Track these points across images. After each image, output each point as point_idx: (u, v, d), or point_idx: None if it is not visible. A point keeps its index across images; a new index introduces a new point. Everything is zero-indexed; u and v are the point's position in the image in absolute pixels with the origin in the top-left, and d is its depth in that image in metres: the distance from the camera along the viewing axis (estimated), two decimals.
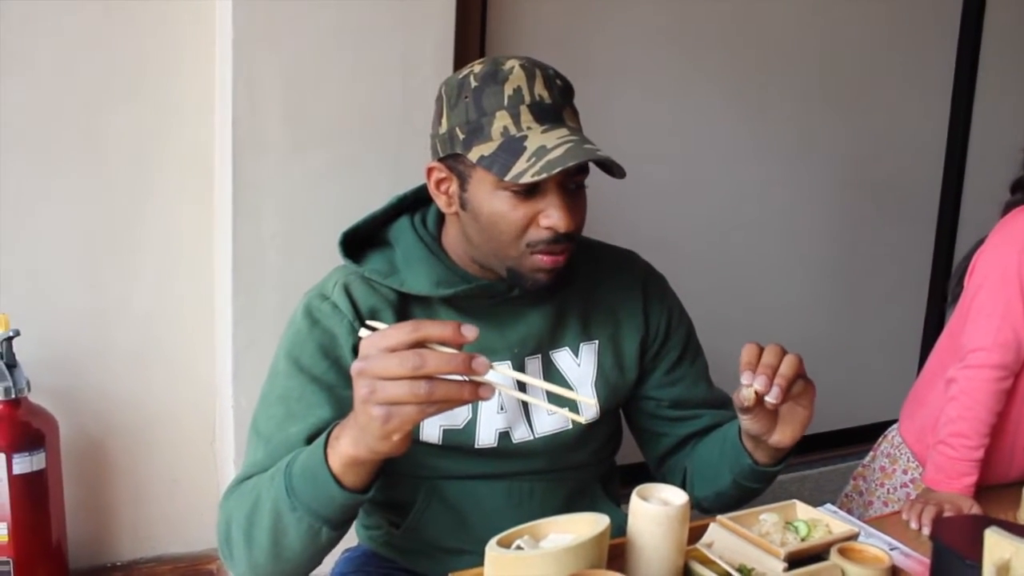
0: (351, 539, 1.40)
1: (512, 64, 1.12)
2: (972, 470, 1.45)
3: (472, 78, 1.13)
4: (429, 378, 0.82)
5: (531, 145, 1.07)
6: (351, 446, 0.91)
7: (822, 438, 2.76)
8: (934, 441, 1.52)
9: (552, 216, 1.10)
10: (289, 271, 1.83)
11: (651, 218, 2.38)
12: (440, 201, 1.19)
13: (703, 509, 1.32)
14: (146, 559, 2.09)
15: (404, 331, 0.84)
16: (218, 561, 2.11)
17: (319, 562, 1.06)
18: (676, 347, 1.34)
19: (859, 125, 2.71)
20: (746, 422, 1.11)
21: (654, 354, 1.32)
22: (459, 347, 0.84)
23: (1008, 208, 1.65)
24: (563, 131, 1.10)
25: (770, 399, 1.02)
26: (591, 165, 1.13)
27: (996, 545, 0.74)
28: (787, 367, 1.03)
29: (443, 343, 0.84)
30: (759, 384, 1.02)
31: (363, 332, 0.89)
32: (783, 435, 1.11)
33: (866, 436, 2.86)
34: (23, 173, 1.86)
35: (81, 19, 1.84)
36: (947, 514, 1.35)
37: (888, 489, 1.71)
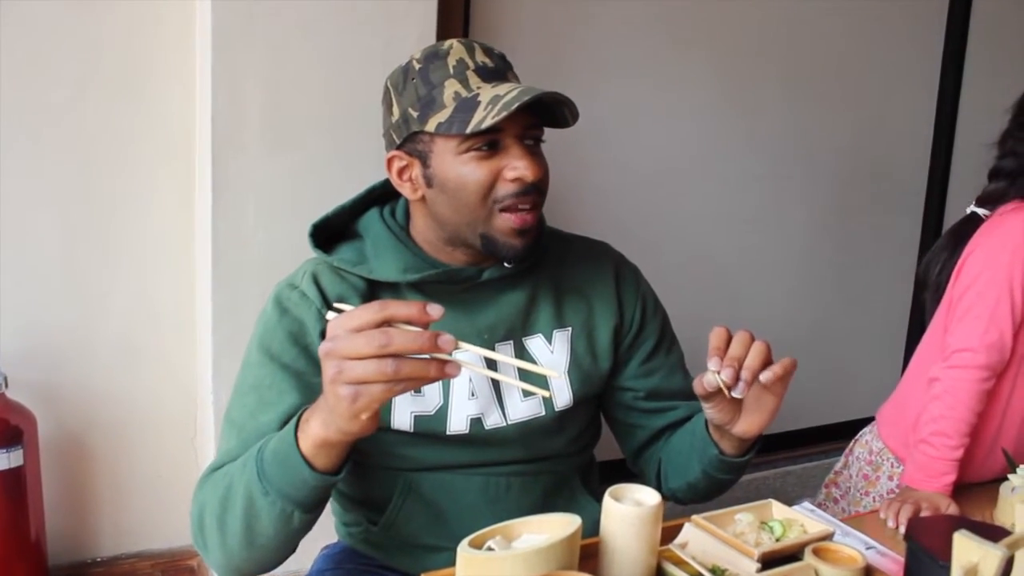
0: (330, 535, 1.40)
1: (450, 42, 1.17)
2: (951, 469, 1.45)
3: (414, 63, 1.17)
4: (395, 356, 0.83)
5: (484, 98, 1.10)
6: (321, 428, 0.92)
7: (806, 434, 2.77)
8: (915, 440, 1.52)
9: (517, 167, 1.11)
10: (269, 267, 1.82)
11: (636, 211, 2.38)
12: (404, 190, 1.20)
13: (677, 500, 1.32)
14: (127, 555, 2.08)
15: (370, 311, 0.84)
16: (198, 557, 2.11)
17: (292, 549, 1.06)
18: (651, 336, 1.34)
19: (845, 117, 2.71)
20: (709, 411, 1.11)
21: (629, 343, 1.32)
22: (425, 326, 0.85)
23: (987, 198, 1.65)
24: (512, 84, 1.14)
25: (736, 394, 1.02)
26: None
27: (964, 548, 0.74)
28: (754, 358, 1.02)
29: (408, 322, 0.85)
30: (725, 376, 1.01)
31: (330, 315, 0.90)
32: (749, 425, 1.10)
33: (850, 432, 2.86)
34: (2, 169, 1.84)
35: (60, 16, 1.82)
36: (924, 513, 1.35)
37: (874, 498, 1.69)
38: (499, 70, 1.16)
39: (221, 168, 1.78)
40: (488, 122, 1.07)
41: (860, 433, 1.80)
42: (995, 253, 1.52)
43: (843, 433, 2.83)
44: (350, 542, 1.34)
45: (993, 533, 0.91)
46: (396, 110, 1.18)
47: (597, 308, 1.30)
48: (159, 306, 2.01)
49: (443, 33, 1.92)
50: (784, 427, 2.71)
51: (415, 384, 0.86)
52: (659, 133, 2.41)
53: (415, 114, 1.14)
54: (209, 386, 1.88)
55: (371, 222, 1.25)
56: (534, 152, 1.15)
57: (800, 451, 2.75)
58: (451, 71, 1.13)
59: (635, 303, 1.33)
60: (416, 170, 1.17)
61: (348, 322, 0.85)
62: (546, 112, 1.16)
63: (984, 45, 2.90)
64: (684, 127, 2.45)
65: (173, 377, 2.04)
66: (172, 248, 1.99)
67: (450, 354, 0.84)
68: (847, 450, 1.81)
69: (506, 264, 1.21)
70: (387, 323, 0.84)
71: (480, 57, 1.15)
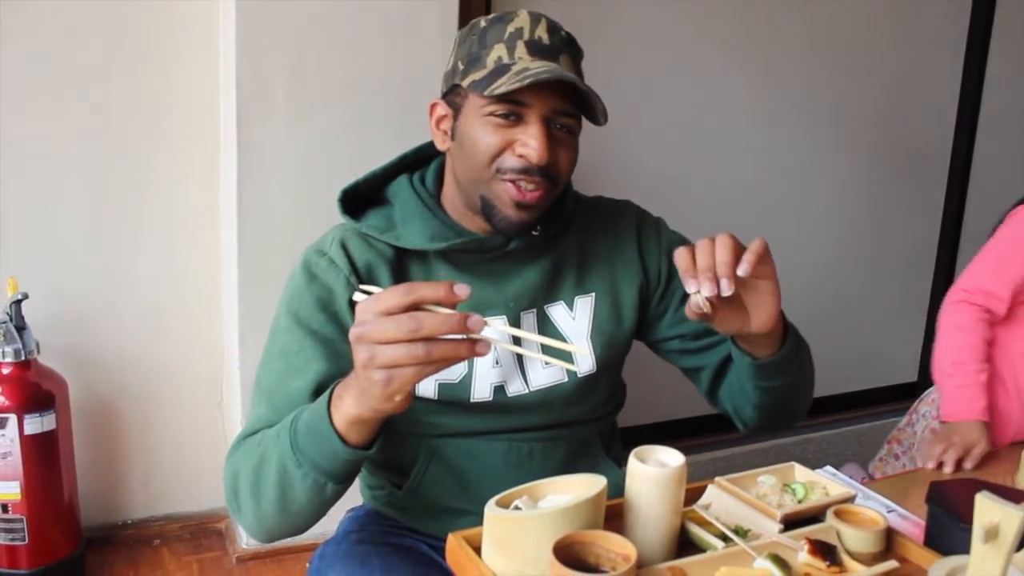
0: (356, 498, 1.42)
1: (522, 11, 1.16)
2: (980, 394, 1.50)
3: (483, 20, 1.17)
4: (426, 340, 0.83)
5: (516, 68, 1.09)
6: (354, 406, 0.93)
7: (826, 401, 2.77)
8: (939, 378, 1.58)
9: (528, 145, 1.11)
10: (294, 234, 1.84)
11: (659, 181, 2.38)
12: (437, 139, 1.22)
13: (761, 428, 1.31)
14: (156, 517, 2.13)
15: (398, 294, 0.85)
16: (227, 520, 2.15)
17: (324, 513, 1.08)
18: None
19: (870, 85, 2.69)
20: (718, 327, 1.09)
21: (660, 297, 1.32)
22: (453, 306, 0.86)
23: None
24: (552, 64, 1.11)
25: (725, 293, 0.99)
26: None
27: (986, 509, 0.75)
28: (723, 254, 1.00)
29: (437, 304, 0.85)
30: (706, 290, 0.98)
31: (358, 296, 0.90)
32: (762, 318, 1.08)
33: (871, 399, 2.88)
34: (31, 140, 1.87)
35: None
36: (953, 445, 1.41)
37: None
38: (552, 49, 1.14)
39: (246, 137, 1.80)
40: (502, 89, 1.07)
41: (926, 392, 1.85)
42: None
43: (862, 401, 2.84)
44: (375, 505, 1.36)
45: (1015, 496, 0.92)
46: (451, 61, 1.19)
47: (621, 270, 1.30)
48: (186, 273, 2.03)
49: (465, 5, 1.91)
50: None
51: (447, 364, 0.87)
52: (683, 102, 2.41)
53: (461, 68, 1.15)
54: (235, 352, 1.91)
55: (400, 188, 1.25)
56: (555, 136, 1.13)
57: (820, 419, 2.76)
58: (504, 37, 1.13)
59: (659, 256, 1.32)
60: (449, 121, 1.18)
61: (376, 305, 0.85)
62: (585, 105, 1.15)
63: (1012, 9, 2.86)
64: (708, 96, 2.44)
65: (200, 342, 2.07)
66: (198, 216, 2.01)
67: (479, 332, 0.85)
68: (912, 408, 1.87)
69: (503, 235, 1.20)
70: (415, 305, 0.85)
71: (540, 31, 1.14)
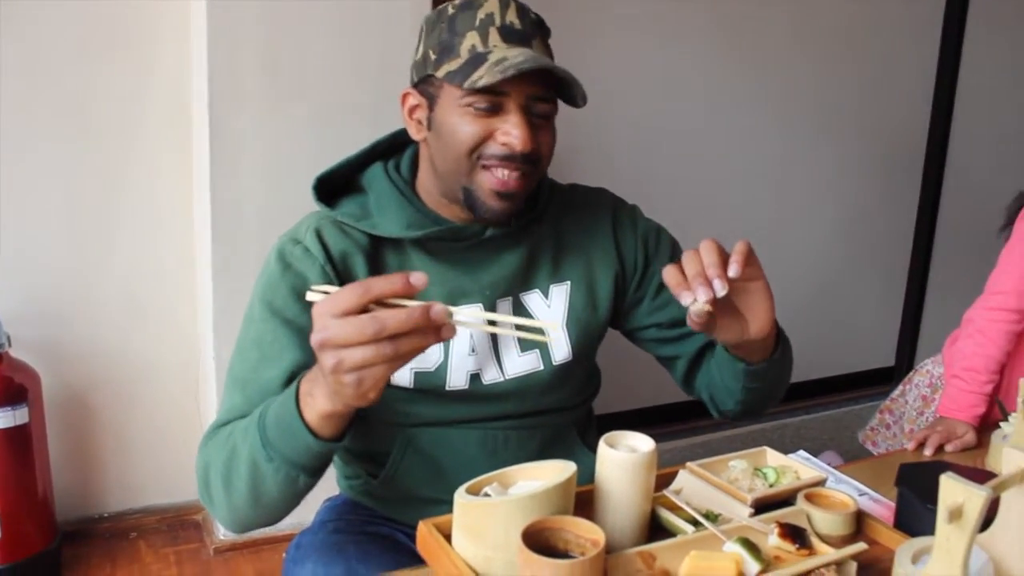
0: (332, 488, 1.42)
1: None
2: (981, 402, 1.54)
3: (450, 7, 1.16)
4: (392, 337, 0.82)
5: (493, 57, 1.09)
6: (327, 403, 0.92)
7: (804, 387, 2.79)
8: (948, 374, 1.62)
9: (510, 133, 1.10)
10: (268, 224, 1.83)
11: (635, 169, 2.38)
12: (411, 129, 1.21)
13: (738, 417, 1.32)
14: (133, 510, 2.12)
15: (355, 294, 0.83)
16: (204, 511, 2.14)
17: (297, 504, 1.08)
18: (659, 270, 1.32)
19: (847, 78, 2.70)
20: (718, 337, 1.10)
21: (636, 285, 1.33)
22: (411, 296, 0.84)
23: None
24: (526, 50, 1.11)
25: (720, 293, 1.00)
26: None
27: (950, 490, 0.76)
28: (708, 257, 1.01)
29: (395, 297, 0.84)
30: (701, 295, 0.99)
31: (311, 296, 0.89)
32: (757, 321, 1.09)
33: (848, 385, 2.90)
34: (2, 132, 1.85)
35: None
36: (936, 433, 1.44)
37: (927, 417, 1.81)
38: (524, 34, 1.13)
39: (218, 127, 1.79)
40: (483, 81, 1.06)
41: (921, 364, 1.91)
42: None
43: (840, 387, 2.86)
44: (351, 494, 1.36)
45: (981, 477, 0.92)
46: (421, 49, 1.17)
47: (596, 259, 1.30)
48: (160, 264, 2.02)
49: None
50: None
51: (416, 355, 0.86)
52: (661, 90, 2.41)
53: (433, 57, 1.14)
54: (210, 342, 1.90)
55: (375, 176, 1.24)
56: (534, 124, 1.13)
57: (798, 404, 2.78)
58: (476, 23, 1.12)
59: (635, 246, 1.33)
60: (423, 111, 1.17)
61: (333, 307, 0.83)
62: (561, 89, 1.14)
63: (986, 5, 2.88)
64: (686, 84, 2.44)
65: (175, 334, 2.06)
66: (171, 207, 2.00)
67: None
68: (906, 379, 1.93)
69: (487, 224, 1.20)
70: (373, 301, 0.83)
71: (510, 16, 1.13)
